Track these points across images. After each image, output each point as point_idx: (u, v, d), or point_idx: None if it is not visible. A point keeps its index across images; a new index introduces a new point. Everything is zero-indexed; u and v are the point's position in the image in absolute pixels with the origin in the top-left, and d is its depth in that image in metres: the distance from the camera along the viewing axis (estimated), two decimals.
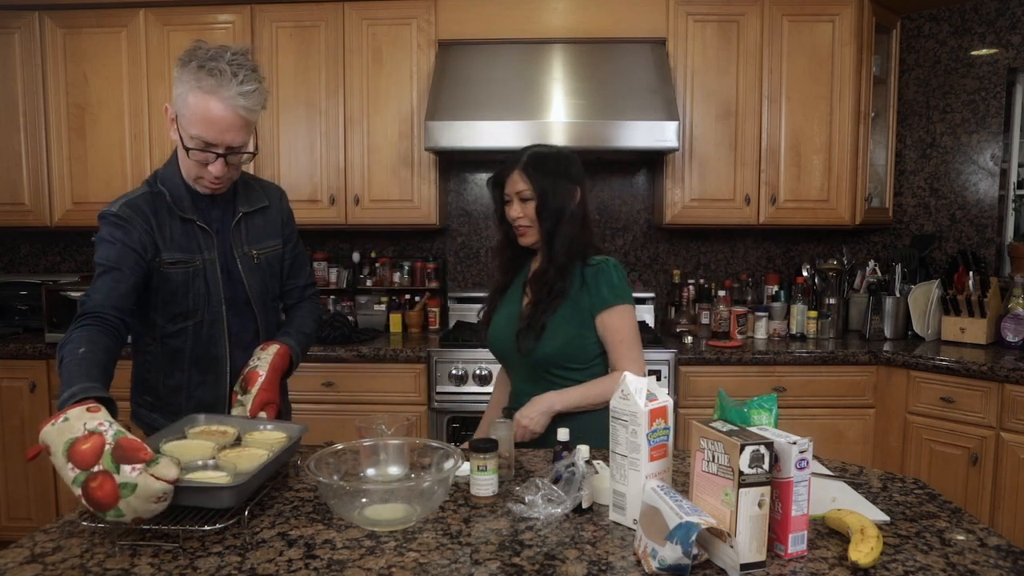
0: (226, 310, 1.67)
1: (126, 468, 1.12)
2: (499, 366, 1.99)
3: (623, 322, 1.74)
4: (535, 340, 1.74)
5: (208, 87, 1.46)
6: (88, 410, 1.19)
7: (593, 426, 1.70)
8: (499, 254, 1.92)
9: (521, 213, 1.76)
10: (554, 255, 1.75)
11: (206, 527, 1.20)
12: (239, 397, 1.64)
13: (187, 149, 1.52)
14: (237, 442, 1.46)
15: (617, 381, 1.71)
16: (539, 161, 1.76)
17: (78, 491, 1.13)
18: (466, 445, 1.49)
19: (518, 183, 1.76)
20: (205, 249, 1.63)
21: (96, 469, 1.12)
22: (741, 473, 1.08)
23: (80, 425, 1.16)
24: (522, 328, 1.76)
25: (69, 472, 1.14)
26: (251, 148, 1.58)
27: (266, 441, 1.45)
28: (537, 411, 1.72)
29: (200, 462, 1.32)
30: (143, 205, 1.58)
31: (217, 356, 1.69)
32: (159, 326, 1.65)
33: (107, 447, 1.14)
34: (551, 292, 1.74)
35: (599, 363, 1.80)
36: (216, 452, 1.37)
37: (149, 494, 1.12)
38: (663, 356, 2.92)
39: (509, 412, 1.84)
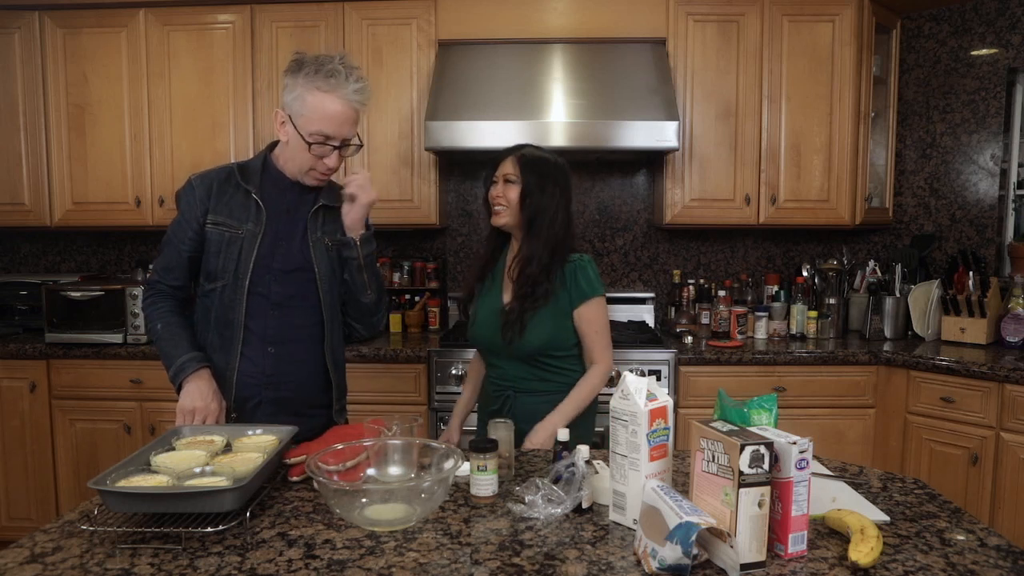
0: (272, 282, 1.77)
1: None
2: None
3: (597, 314, 1.89)
4: (519, 335, 1.84)
5: (328, 87, 1.66)
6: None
7: (578, 421, 1.85)
8: (488, 240, 2.04)
9: (501, 193, 1.88)
10: (538, 254, 1.84)
11: (208, 528, 1.21)
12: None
13: (308, 144, 1.69)
14: (227, 449, 1.48)
15: (598, 377, 1.87)
16: (534, 158, 1.90)
17: None
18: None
19: (507, 166, 1.89)
20: (252, 221, 1.76)
21: None
22: (741, 473, 1.08)
23: None
24: (505, 323, 1.85)
25: None
26: (358, 141, 1.76)
27: (257, 445, 1.47)
28: (546, 436, 1.82)
29: (197, 469, 1.33)
30: (214, 175, 1.78)
31: (233, 321, 1.77)
32: (200, 284, 1.81)
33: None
34: (534, 293, 1.83)
35: (577, 349, 1.93)
36: (210, 459, 1.38)
37: None
38: (663, 356, 2.92)
39: (498, 409, 1.91)
